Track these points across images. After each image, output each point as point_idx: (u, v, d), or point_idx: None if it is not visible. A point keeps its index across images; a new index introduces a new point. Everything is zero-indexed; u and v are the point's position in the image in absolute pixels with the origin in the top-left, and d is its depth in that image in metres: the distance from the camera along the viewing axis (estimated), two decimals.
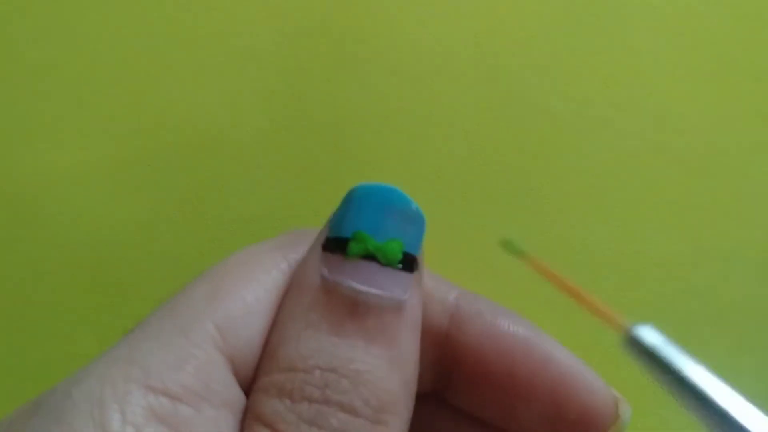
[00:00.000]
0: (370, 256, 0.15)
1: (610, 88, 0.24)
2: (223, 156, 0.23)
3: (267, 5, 0.23)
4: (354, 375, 0.15)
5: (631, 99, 0.24)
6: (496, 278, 0.23)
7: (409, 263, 0.15)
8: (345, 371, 0.15)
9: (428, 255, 0.22)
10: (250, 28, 0.23)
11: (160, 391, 0.14)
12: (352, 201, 0.16)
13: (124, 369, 0.14)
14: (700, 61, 0.24)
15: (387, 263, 0.15)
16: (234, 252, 0.17)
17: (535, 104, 0.23)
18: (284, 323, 0.16)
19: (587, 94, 0.24)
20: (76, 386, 0.14)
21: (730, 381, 0.23)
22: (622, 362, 0.23)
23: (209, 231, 0.22)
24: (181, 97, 0.23)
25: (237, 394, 0.15)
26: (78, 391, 0.14)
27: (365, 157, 0.23)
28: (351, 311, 0.15)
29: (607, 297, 0.23)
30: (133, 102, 0.23)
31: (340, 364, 0.15)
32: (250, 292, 0.16)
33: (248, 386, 0.16)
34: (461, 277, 0.23)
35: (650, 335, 0.16)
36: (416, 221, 0.16)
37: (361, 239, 0.15)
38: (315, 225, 0.17)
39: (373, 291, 0.15)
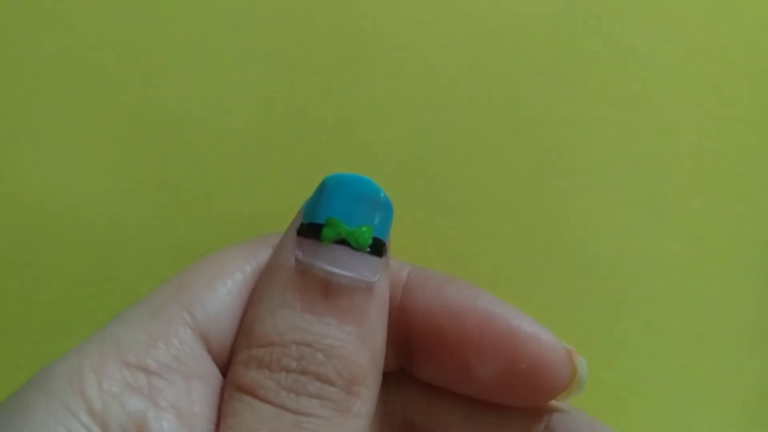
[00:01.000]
0: (341, 241, 0.16)
1: (611, 88, 0.24)
2: (223, 156, 0.23)
3: (267, 6, 0.23)
4: (328, 349, 0.16)
5: (631, 99, 0.24)
6: (496, 279, 0.24)
7: (378, 248, 0.17)
8: (319, 346, 0.16)
9: (429, 254, 0.23)
10: (250, 28, 0.23)
11: (133, 365, 0.15)
12: (326, 189, 0.17)
13: (100, 347, 0.15)
14: (700, 61, 0.24)
15: (358, 247, 0.16)
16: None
17: (535, 104, 0.23)
18: (260, 301, 0.17)
19: (587, 94, 0.24)
20: (57, 362, 0.15)
21: (730, 382, 0.24)
22: (617, 361, 0.24)
23: (209, 231, 0.22)
24: (181, 97, 0.23)
25: (210, 368, 0.16)
26: (58, 366, 0.15)
27: (365, 158, 0.23)
28: (324, 291, 0.16)
29: (607, 297, 0.24)
30: (133, 102, 0.23)
31: (315, 339, 0.16)
32: (218, 282, 0.17)
33: (223, 364, 0.17)
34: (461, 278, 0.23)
35: None
36: (384, 209, 0.17)
37: (334, 225, 0.16)
38: None
39: (345, 273, 0.16)
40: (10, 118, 0.23)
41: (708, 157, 0.24)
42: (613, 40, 0.24)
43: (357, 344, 0.16)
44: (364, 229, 0.16)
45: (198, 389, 0.16)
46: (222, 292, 0.17)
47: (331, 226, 0.16)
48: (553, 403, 0.19)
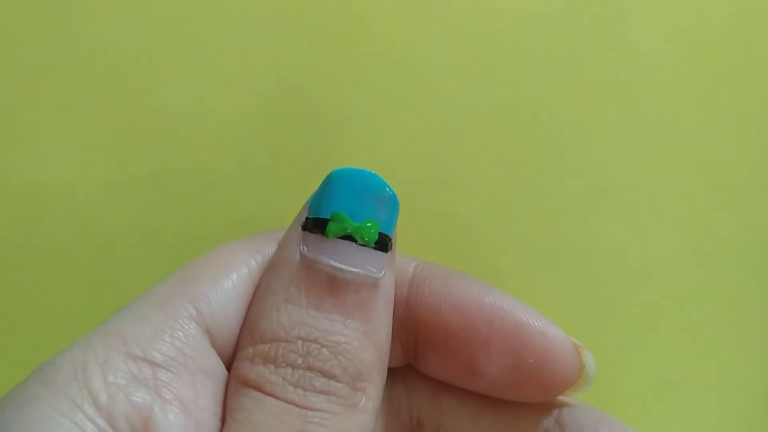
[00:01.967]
0: (347, 236, 0.16)
1: (611, 88, 0.23)
2: (222, 154, 0.23)
3: (266, 4, 0.23)
4: (333, 346, 0.16)
5: (631, 99, 0.24)
6: (497, 278, 0.24)
7: (384, 243, 0.16)
8: (325, 342, 0.16)
9: (430, 254, 0.23)
10: (250, 28, 0.23)
11: (139, 358, 0.15)
12: (331, 183, 0.17)
13: (105, 339, 0.15)
14: (701, 61, 0.24)
15: (364, 243, 0.16)
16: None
17: (535, 104, 0.23)
18: (265, 297, 0.16)
19: (587, 94, 0.23)
20: (61, 356, 0.15)
21: (731, 382, 0.24)
22: (618, 361, 0.24)
23: (209, 229, 0.22)
24: (181, 96, 0.23)
25: (215, 362, 0.16)
26: (62, 359, 0.15)
27: (366, 158, 0.23)
28: (330, 287, 0.16)
29: (608, 297, 0.24)
30: (132, 99, 0.23)
31: (321, 335, 0.16)
32: (223, 276, 0.17)
33: (227, 358, 0.17)
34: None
35: None
36: (391, 204, 0.17)
37: (340, 220, 0.16)
38: None
39: (351, 269, 0.16)
40: (8, 116, 0.23)
41: (710, 157, 0.24)
42: (615, 40, 0.24)
43: (363, 340, 0.16)
44: (370, 224, 0.16)
45: (203, 383, 0.16)
46: (227, 286, 0.17)
47: (336, 221, 0.16)
48: (563, 397, 0.19)
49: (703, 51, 0.24)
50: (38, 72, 0.23)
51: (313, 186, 0.17)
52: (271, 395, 0.15)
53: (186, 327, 0.16)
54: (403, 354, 0.19)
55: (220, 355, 0.17)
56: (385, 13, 0.23)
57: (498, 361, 0.18)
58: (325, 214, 0.16)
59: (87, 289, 0.23)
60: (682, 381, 0.25)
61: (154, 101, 0.23)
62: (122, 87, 0.23)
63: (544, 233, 0.24)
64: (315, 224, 0.16)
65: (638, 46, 0.24)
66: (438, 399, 0.19)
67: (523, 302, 0.18)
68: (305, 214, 0.17)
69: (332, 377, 0.15)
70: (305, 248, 0.16)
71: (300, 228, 0.17)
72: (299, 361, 0.15)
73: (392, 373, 0.18)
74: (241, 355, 0.16)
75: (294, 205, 0.18)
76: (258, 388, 0.15)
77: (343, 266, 0.16)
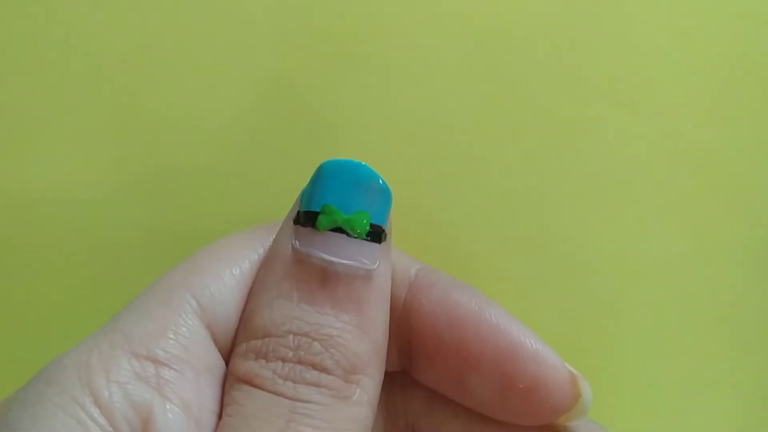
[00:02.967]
0: (338, 228, 0.16)
1: (611, 88, 0.23)
2: (221, 154, 0.23)
3: (266, 6, 0.23)
4: (325, 339, 0.15)
5: (631, 99, 0.24)
6: (496, 280, 0.24)
7: (376, 234, 0.16)
8: (316, 336, 0.15)
9: (428, 254, 0.23)
10: (250, 27, 0.23)
11: (143, 356, 0.15)
12: (321, 176, 0.17)
13: (110, 337, 0.15)
14: (701, 61, 0.24)
15: (355, 234, 0.16)
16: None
17: (536, 104, 0.23)
18: (258, 292, 0.16)
19: (587, 94, 0.23)
20: (66, 355, 0.15)
21: (731, 382, 0.24)
22: (618, 361, 0.24)
23: (209, 231, 0.22)
24: (180, 97, 0.23)
25: (216, 359, 0.16)
26: (67, 358, 0.15)
27: (365, 158, 0.23)
28: (321, 280, 0.16)
29: (608, 297, 0.24)
30: (131, 100, 0.23)
31: (312, 329, 0.15)
32: (225, 270, 0.17)
33: (228, 355, 0.17)
34: (461, 278, 0.23)
35: None
36: (383, 194, 0.16)
37: (330, 212, 0.16)
38: None
39: (343, 261, 0.16)
40: (8, 116, 0.23)
41: (710, 157, 0.24)
42: (615, 40, 0.24)
43: (356, 333, 0.16)
44: (361, 215, 0.16)
45: (205, 380, 0.16)
46: (230, 282, 0.17)
47: (327, 213, 0.16)
48: (580, 390, 0.18)
49: (703, 51, 0.24)
50: (38, 72, 0.23)
51: None
52: (260, 388, 0.15)
53: (190, 323, 0.16)
54: (398, 358, 0.19)
55: (220, 351, 0.17)
56: (384, 12, 0.23)
57: (487, 382, 0.17)
58: (315, 207, 0.16)
59: (87, 289, 0.23)
60: (682, 381, 0.24)
61: (153, 101, 0.23)
62: (122, 87, 0.23)
63: (543, 233, 0.24)
64: (306, 217, 0.16)
65: (638, 46, 0.24)
66: (433, 406, 0.19)
67: (523, 324, 0.18)
68: (297, 208, 0.17)
69: (323, 370, 0.15)
70: (297, 242, 0.16)
71: (291, 221, 0.17)
72: (290, 355, 0.15)
73: (389, 377, 0.17)
74: (236, 351, 0.16)
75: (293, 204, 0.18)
76: (249, 382, 0.15)
77: (334, 259, 0.16)
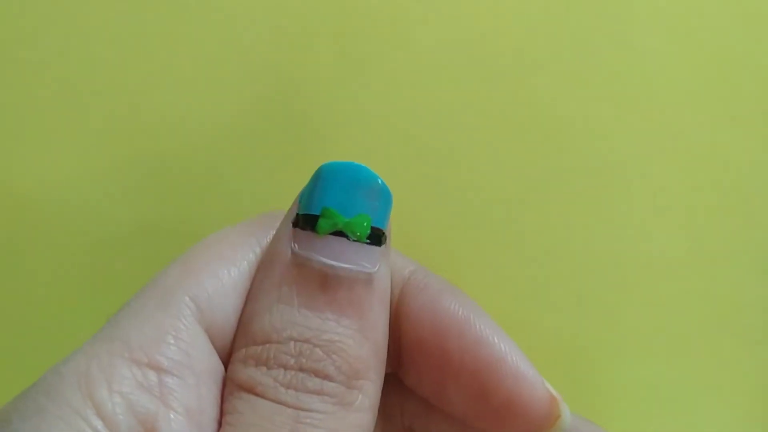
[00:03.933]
0: (338, 232, 0.16)
1: (611, 88, 0.23)
2: (221, 154, 0.23)
3: (266, 6, 0.23)
4: (327, 345, 0.15)
5: (632, 99, 0.24)
6: (496, 280, 0.24)
7: (376, 237, 0.16)
8: (318, 341, 0.15)
9: (427, 254, 0.23)
10: (249, 28, 0.23)
11: (144, 364, 0.15)
12: (320, 178, 0.16)
13: (108, 345, 0.15)
14: (701, 61, 0.24)
15: (356, 238, 0.16)
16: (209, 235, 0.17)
17: (536, 104, 0.23)
18: (257, 296, 0.16)
19: (587, 94, 0.23)
20: (64, 364, 0.14)
21: (731, 382, 0.24)
22: (618, 361, 0.24)
23: (209, 230, 0.22)
24: (180, 97, 0.23)
25: (216, 363, 0.16)
26: (66, 368, 0.14)
27: (365, 157, 0.23)
28: (322, 285, 0.16)
29: (607, 297, 0.24)
30: (130, 100, 0.23)
31: (313, 335, 0.15)
32: (222, 269, 0.16)
33: (226, 357, 0.16)
34: (462, 279, 0.23)
35: None
36: (383, 197, 0.16)
37: (330, 215, 0.16)
38: None
39: (343, 265, 0.16)
40: (8, 116, 0.23)
41: (710, 157, 0.24)
42: (615, 40, 0.24)
43: (358, 338, 0.16)
44: (361, 218, 0.16)
45: (206, 386, 0.15)
46: (228, 283, 0.16)
47: (326, 217, 0.16)
48: (559, 410, 0.18)
49: (703, 51, 0.24)
50: (38, 72, 0.23)
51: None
52: (262, 397, 0.15)
53: (189, 327, 0.15)
54: (389, 360, 0.18)
55: (218, 353, 0.16)
56: (384, 12, 0.23)
57: (465, 393, 0.17)
58: (315, 210, 0.16)
59: (87, 289, 0.23)
60: (682, 381, 0.24)
61: (153, 101, 0.23)
62: (122, 87, 0.23)
63: (543, 233, 0.24)
64: (305, 221, 0.16)
65: (638, 46, 0.24)
66: (429, 408, 0.19)
67: (509, 338, 0.17)
68: (296, 210, 0.16)
69: (325, 377, 0.15)
70: (296, 246, 0.16)
71: (290, 224, 0.16)
72: (291, 362, 0.15)
73: (386, 378, 0.17)
74: (235, 357, 0.16)
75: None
76: (250, 390, 0.15)
77: (334, 263, 0.16)
